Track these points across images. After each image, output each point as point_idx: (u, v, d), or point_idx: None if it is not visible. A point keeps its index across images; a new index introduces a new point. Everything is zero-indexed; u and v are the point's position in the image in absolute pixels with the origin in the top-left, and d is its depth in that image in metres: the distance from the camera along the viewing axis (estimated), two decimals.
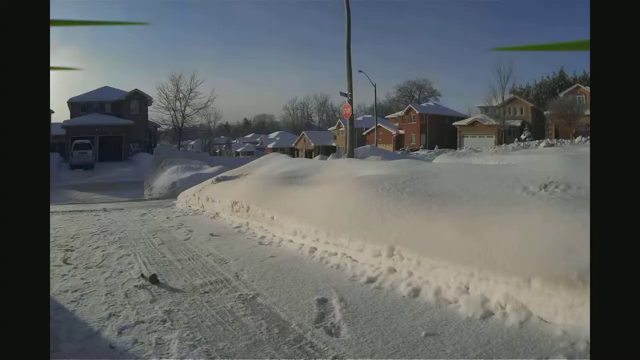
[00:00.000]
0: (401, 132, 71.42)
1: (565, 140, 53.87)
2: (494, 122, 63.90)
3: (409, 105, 71.94)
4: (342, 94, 24.23)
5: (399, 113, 72.29)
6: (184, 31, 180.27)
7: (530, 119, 67.41)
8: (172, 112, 39.91)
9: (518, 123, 62.82)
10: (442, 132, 69.98)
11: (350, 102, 22.57)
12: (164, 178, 23.69)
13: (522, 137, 60.52)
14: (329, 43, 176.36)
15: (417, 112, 68.70)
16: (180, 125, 37.88)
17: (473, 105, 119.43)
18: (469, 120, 67.15)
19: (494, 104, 69.28)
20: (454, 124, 68.06)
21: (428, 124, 69.26)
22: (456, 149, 62.44)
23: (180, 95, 39.23)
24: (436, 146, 63.40)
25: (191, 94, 39.53)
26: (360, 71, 52.84)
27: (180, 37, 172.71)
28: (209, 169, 23.50)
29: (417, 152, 60.16)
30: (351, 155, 21.33)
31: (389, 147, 66.21)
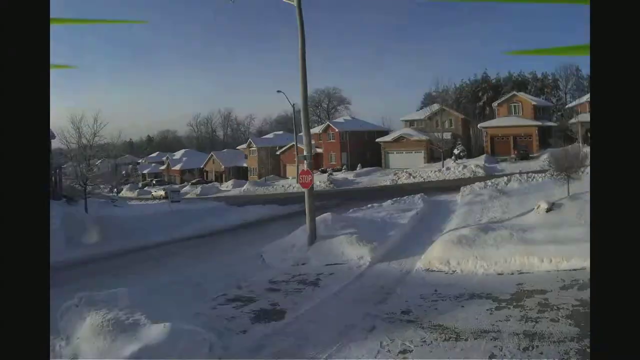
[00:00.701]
0: (319, 150, 67.30)
1: (511, 157, 57.64)
2: (423, 137, 62.33)
3: (328, 122, 70.08)
4: (301, 157, 20.50)
5: (316, 130, 68.14)
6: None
7: (460, 131, 66.98)
8: (75, 164, 34.81)
9: (448, 136, 60.68)
10: (364, 149, 68.11)
11: (310, 165, 18.89)
12: None
13: (456, 152, 60.02)
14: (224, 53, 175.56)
15: (337, 129, 66.15)
16: (85, 173, 32.81)
17: (390, 118, 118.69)
18: (394, 135, 65.67)
19: (419, 117, 69.49)
20: (377, 140, 66.15)
21: (349, 142, 67.14)
22: (382, 166, 62.62)
23: (84, 141, 34.08)
24: (359, 165, 62.69)
25: (95, 138, 34.45)
26: (278, 91, 51.12)
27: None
28: None
29: (338, 173, 60.47)
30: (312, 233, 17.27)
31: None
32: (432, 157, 59.79)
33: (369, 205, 25.84)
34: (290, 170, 67.77)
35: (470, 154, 63.25)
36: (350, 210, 24.62)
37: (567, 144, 65.28)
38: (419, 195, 27.48)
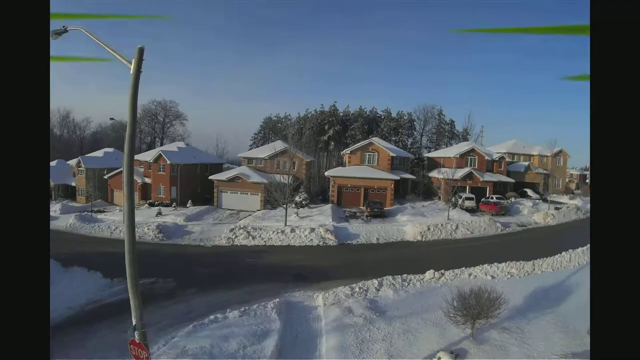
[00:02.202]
0: (147, 180, 62.51)
1: (363, 213, 53.05)
2: (260, 180, 58.37)
3: (159, 151, 60.73)
4: None
5: (147, 157, 63.15)
6: None
7: (303, 175, 63.11)
8: None
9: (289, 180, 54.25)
10: (196, 183, 64.19)
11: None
12: None
13: (298, 199, 55.89)
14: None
15: (168, 161, 60.22)
16: None
17: (230, 151, 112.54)
18: (229, 175, 60.70)
19: (261, 156, 65.55)
20: (211, 177, 61.15)
21: (180, 175, 61.76)
22: (215, 204, 59.32)
23: None
24: (189, 202, 59.50)
25: None
26: (111, 119, 43.79)
27: None
28: None
29: (167, 210, 55.18)
30: None
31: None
32: (269, 200, 54.73)
33: (212, 318, 21.51)
34: (118, 196, 63.26)
35: (312, 199, 60.40)
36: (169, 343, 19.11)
37: (425, 198, 63.65)
38: (273, 304, 23.59)
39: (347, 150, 65.31)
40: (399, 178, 61.37)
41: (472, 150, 67.46)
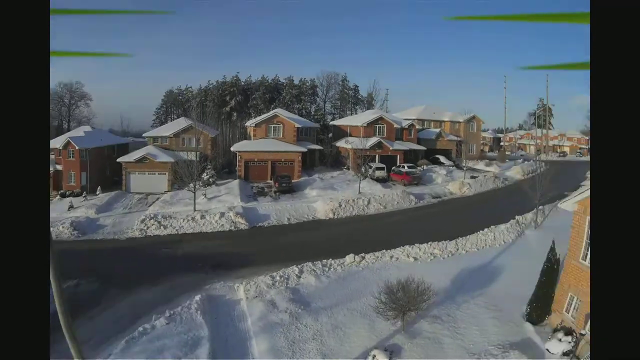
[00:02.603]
0: (59, 167, 58.91)
1: (271, 188, 52.06)
2: (168, 160, 57.02)
3: (68, 137, 57.99)
4: None
5: (56, 144, 59.05)
6: None
7: (209, 151, 62.63)
8: None
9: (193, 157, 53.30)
10: (104, 167, 62.04)
11: None
12: None
13: (205, 177, 54.67)
14: None
15: (77, 147, 56.15)
16: None
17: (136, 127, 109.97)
18: (137, 156, 58.29)
19: (166, 134, 64.06)
20: (119, 160, 58.84)
21: (89, 160, 59.04)
22: (123, 189, 57.39)
23: None
24: (99, 188, 56.80)
25: None
26: None
27: None
28: None
29: (78, 201, 52.76)
30: None
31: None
32: (177, 178, 53.20)
33: (140, 330, 20.72)
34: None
35: (220, 175, 59.55)
36: None
37: (333, 168, 63.92)
38: (197, 303, 23.14)
39: (252, 123, 64.72)
40: (306, 150, 61.38)
41: (380, 119, 68.12)
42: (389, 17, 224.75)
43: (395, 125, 68.49)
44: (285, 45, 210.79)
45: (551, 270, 21.09)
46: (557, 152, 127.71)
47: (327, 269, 27.85)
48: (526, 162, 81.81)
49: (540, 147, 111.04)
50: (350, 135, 70.04)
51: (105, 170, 61.36)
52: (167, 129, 65.33)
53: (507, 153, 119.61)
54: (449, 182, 57.83)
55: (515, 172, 68.01)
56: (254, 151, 59.90)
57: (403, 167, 61.42)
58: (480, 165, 74.15)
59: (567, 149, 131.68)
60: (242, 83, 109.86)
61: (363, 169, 56.00)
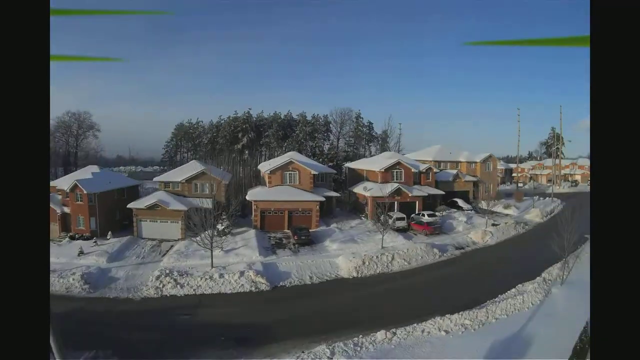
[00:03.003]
0: (67, 210, 57.93)
1: (290, 241, 50.09)
2: (180, 207, 56.22)
3: (75, 180, 57.49)
4: None
5: (64, 184, 58.71)
6: None
7: (222, 197, 60.42)
8: None
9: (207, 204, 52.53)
10: (114, 210, 60.71)
11: None
12: None
13: (220, 227, 52.80)
14: None
15: (84, 191, 56.28)
16: None
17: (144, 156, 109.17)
18: (148, 202, 57.10)
19: (178, 180, 62.45)
20: (129, 206, 57.79)
21: (98, 205, 57.60)
22: (135, 235, 56.37)
23: None
24: (109, 233, 55.86)
25: None
26: None
27: None
28: None
29: (88, 246, 51.45)
30: None
31: (54, 230, 56.25)
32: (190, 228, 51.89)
33: None
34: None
35: (231, 217, 57.60)
36: None
37: (351, 213, 62.99)
38: None
39: (267, 170, 63.21)
40: (323, 200, 60.35)
41: (398, 163, 67.01)
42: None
43: (413, 170, 67.51)
44: (298, 81, 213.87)
45: (583, 352, 21.21)
46: (568, 180, 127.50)
47: (359, 349, 26.59)
48: (541, 198, 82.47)
49: (552, 178, 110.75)
50: (367, 179, 69.48)
51: (114, 213, 60.18)
52: (179, 174, 63.87)
53: (521, 185, 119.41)
54: (470, 230, 57.06)
55: (534, 215, 67.65)
56: (270, 201, 58.80)
57: (423, 215, 60.50)
58: (498, 206, 73.32)
59: (578, 177, 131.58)
60: (254, 119, 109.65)
61: (383, 218, 53.92)
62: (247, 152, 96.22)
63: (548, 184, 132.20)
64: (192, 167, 64.40)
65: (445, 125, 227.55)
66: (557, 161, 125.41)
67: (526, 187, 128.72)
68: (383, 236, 50.75)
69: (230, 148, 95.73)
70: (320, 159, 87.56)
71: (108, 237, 54.83)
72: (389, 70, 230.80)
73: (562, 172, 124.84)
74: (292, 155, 67.85)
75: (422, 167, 70.32)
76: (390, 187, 62.02)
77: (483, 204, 66.29)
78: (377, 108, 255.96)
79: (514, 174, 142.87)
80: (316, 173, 63.06)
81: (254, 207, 58.38)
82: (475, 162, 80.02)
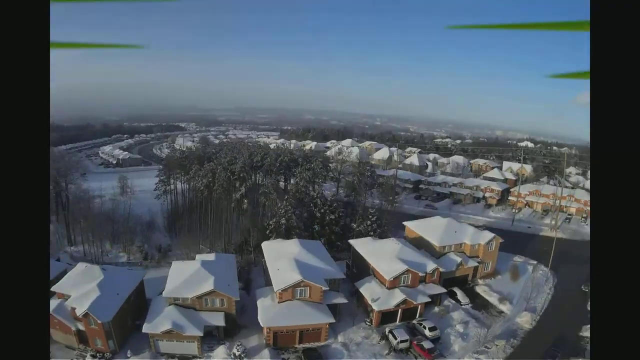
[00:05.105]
0: (81, 327, 59.00)
1: None
2: (195, 333, 58.80)
3: (87, 311, 58.10)
4: None
5: (73, 304, 59.22)
6: None
7: (233, 309, 63.16)
8: None
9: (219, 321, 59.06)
10: (126, 319, 59.65)
11: None
12: None
13: (236, 352, 56.40)
14: None
15: (99, 320, 57.11)
16: None
17: None
18: (162, 328, 58.17)
19: (189, 296, 62.82)
20: (144, 330, 58.72)
21: (113, 327, 58.60)
22: (152, 350, 57.43)
23: None
24: (129, 352, 57.54)
25: None
26: None
27: None
28: None
29: None
30: None
31: (71, 340, 58.10)
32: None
33: None
34: None
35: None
36: None
37: (357, 318, 66.12)
38: None
39: (279, 289, 63.70)
40: (334, 320, 62.11)
41: (407, 271, 68.79)
42: None
43: (420, 274, 69.70)
44: None
45: None
46: (564, 211, 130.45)
47: None
48: (536, 274, 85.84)
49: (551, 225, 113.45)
50: (373, 274, 72.27)
51: (126, 320, 61.89)
52: (189, 289, 63.27)
53: (516, 212, 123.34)
54: (466, 352, 60.11)
55: (525, 321, 68.75)
56: (282, 326, 60.88)
57: (424, 327, 63.81)
58: (493, 297, 76.17)
59: (573, 210, 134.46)
60: (253, 162, 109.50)
61: (390, 335, 60.19)
62: (246, 201, 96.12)
63: (543, 214, 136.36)
64: (201, 285, 63.09)
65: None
66: (560, 192, 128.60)
67: (521, 214, 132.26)
68: None
69: (228, 198, 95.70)
70: (327, 227, 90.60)
71: (128, 355, 57.44)
72: None
73: (558, 202, 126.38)
74: (297, 255, 69.97)
75: (429, 268, 71.80)
76: (397, 299, 65.32)
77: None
78: None
79: (510, 197, 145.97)
80: (326, 288, 64.31)
81: (265, 330, 60.53)
82: (479, 244, 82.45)
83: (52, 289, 61.90)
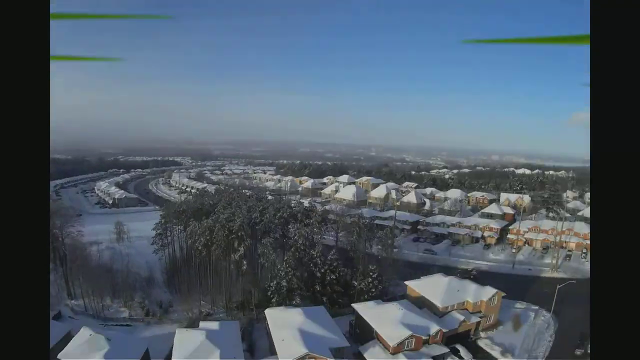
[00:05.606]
0: None
1: None
2: None
3: None
4: None
5: None
6: None
7: None
8: None
9: None
10: None
11: None
12: None
13: None
14: None
15: None
16: None
17: None
18: None
19: None
20: None
21: None
22: None
23: None
24: None
25: None
26: None
27: None
28: None
29: None
30: None
31: None
32: None
33: None
34: None
35: None
36: None
37: None
38: None
39: None
40: None
41: (410, 336, 69.19)
42: None
43: (423, 338, 70.33)
44: None
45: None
46: (563, 247, 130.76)
47: None
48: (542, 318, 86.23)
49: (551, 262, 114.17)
50: (377, 339, 72.02)
51: None
52: None
53: (514, 251, 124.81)
54: None
55: None
56: None
57: None
58: (496, 350, 75.76)
59: (573, 245, 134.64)
60: (251, 222, 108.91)
61: None
62: (245, 262, 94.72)
63: (543, 252, 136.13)
64: (207, 350, 63.56)
65: None
66: (560, 227, 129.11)
67: (520, 255, 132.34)
68: None
69: (227, 258, 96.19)
70: (329, 287, 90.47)
71: None
72: None
73: (558, 237, 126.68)
74: (301, 325, 69.60)
75: (432, 331, 71.89)
76: None
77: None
78: None
79: (509, 235, 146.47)
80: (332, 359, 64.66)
81: None
82: (482, 300, 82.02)
83: (59, 356, 61.55)
